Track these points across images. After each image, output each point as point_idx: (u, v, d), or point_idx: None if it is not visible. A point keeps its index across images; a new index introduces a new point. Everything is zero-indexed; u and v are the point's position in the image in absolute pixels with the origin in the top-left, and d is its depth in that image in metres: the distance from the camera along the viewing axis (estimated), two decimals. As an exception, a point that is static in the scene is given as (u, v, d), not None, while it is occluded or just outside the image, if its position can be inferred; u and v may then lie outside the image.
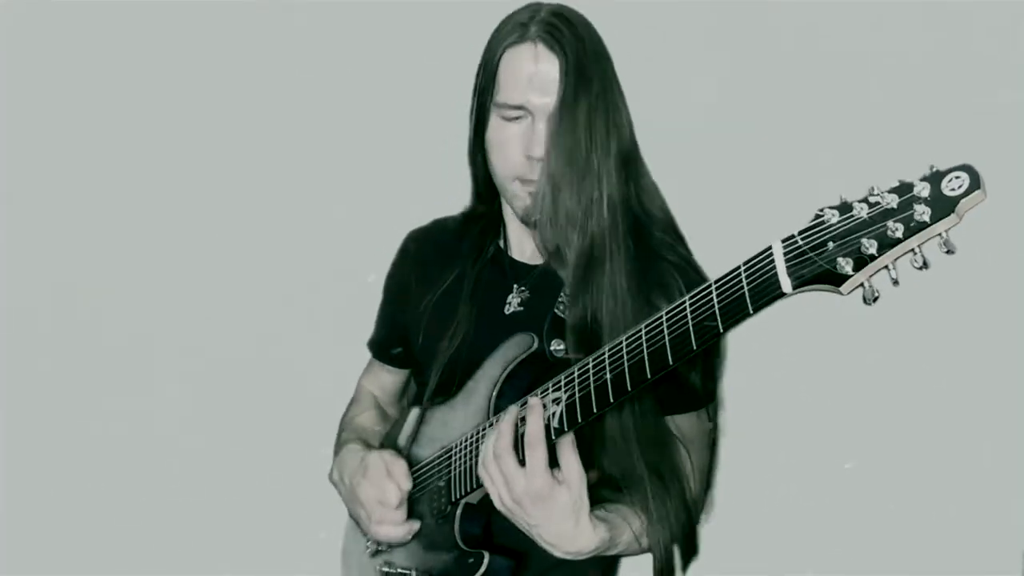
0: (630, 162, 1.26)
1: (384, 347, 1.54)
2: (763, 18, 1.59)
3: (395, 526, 1.25)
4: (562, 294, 1.26)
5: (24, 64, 1.77)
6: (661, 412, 1.23)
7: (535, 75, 1.20)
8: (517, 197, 1.27)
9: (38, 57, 1.77)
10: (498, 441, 1.07)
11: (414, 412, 1.38)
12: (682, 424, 1.27)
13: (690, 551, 1.29)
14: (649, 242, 1.26)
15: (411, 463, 1.31)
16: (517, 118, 1.22)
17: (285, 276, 1.79)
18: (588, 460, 1.10)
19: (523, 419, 1.08)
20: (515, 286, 1.34)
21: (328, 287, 1.75)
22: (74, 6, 1.76)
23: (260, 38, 1.74)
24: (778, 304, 0.93)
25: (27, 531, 1.81)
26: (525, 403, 1.09)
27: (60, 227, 1.80)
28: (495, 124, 1.25)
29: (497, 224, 1.39)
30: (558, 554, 1.09)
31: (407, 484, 1.26)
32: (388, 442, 1.43)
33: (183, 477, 1.80)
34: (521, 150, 1.22)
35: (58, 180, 1.79)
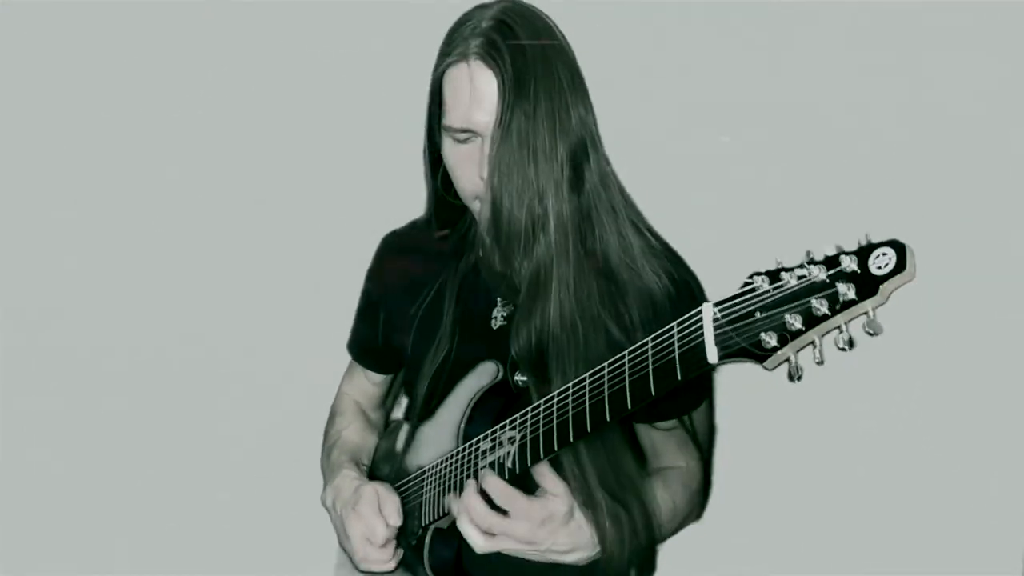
0: (578, 166, 1.18)
1: (365, 350, 1.53)
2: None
3: (380, 563, 1.26)
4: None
5: (18, 62, 1.80)
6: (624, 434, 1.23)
7: (474, 95, 1.15)
8: (480, 215, 1.23)
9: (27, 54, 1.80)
10: (478, 516, 1.10)
11: (406, 426, 1.40)
12: (664, 429, 1.28)
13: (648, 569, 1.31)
14: (607, 253, 1.21)
15: (403, 475, 1.35)
16: (466, 139, 1.18)
17: (276, 277, 1.81)
18: None
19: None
20: (499, 300, 1.31)
21: (314, 290, 1.77)
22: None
23: (254, 36, 1.73)
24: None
25: (20, 532, 1.89)
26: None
27: (48, 226, 1.84)
28: (448, 144, 1.21)
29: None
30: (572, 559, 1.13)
31: (397, 521, 1.25)
32: (382, 453, 1.47)
33: (172, 480, 1.86)
34: (476, 171, 1.18)
35: (47, 177, 1.83)
